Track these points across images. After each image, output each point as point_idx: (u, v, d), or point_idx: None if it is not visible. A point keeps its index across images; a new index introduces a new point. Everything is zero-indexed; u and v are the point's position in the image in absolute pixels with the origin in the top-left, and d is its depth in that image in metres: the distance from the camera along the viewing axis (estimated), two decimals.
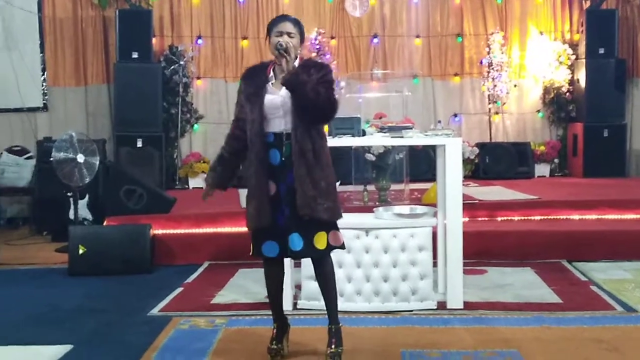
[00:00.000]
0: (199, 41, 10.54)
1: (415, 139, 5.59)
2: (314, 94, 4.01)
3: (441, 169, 5.46)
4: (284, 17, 4.29)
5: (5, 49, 9.72)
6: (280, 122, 4.16)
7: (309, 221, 4.10)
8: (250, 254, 4.32)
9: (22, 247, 8.08)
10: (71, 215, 7.64)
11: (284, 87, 4.11)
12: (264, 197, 4.15)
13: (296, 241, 4.12)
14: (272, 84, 4.21)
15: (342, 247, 4.35)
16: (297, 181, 4.09)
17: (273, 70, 4.24)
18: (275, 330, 4.38)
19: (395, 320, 5.04)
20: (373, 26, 10.81)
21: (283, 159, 4.15)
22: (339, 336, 4.24)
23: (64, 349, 4.53)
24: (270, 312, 4.96)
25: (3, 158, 9.46)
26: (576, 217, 7.65)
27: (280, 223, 4.16)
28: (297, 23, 4.24)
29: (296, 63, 4.12)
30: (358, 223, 5.26)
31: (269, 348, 4.32)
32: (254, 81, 4.24)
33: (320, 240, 4.17)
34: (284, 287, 4.47)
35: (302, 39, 4.25)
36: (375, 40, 10.76)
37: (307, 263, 4.99)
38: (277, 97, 4.16)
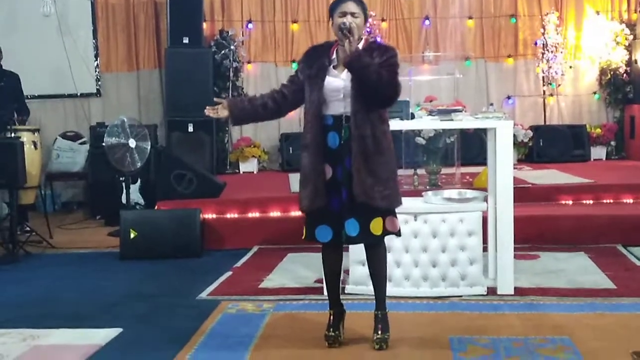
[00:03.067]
0: (249, 25, 10.53)
1: (464, 122, 5.50)
2: (377, 76, 3.93)
3: (492, 153, 5.36)
4: None
5: (59, 36, 9.84)
6: (339, 105, 4.09)
7: (366, 206, 4.03)
8: (303, 237, 4.26)
9: (76, 231, 8.21)
10: (123, 199, 7.73)
11: (345, 70, 4.05)
12: (319, 180, 4.08)
13: (352, 227, 4.06)
14: (333, 66, 4.14)
15: (399, 233, 4.28)
16: (354, 167, 4.02)
17: (336, 52, 4.17)
18: (332, 317, 4.31)
19: (444, 306, 4.97)
20: (424, 8, 10.67)
21: (342, 142, 4.08)
22: (386, 322, 4.20)
23: (113, 332, 4.58)
24: (319, 297, 4.97)
25: (57, 143, 9.62)
26: (632, 200, 7.47)
27: (335, 208, 4.10)
28: (360, 3, 4.14)
29: (360, 45, 4.06)
30: (406, 207, 5.16)
31: (326, 335, 4.25)
32: (315, 62, 4.16)
33: (377, 226, 4.10)
34: (338, 271, 4.39)
35: (365, 19, 4.17)
36: (427, 22, 10.62)
37: (355, 248, 4.94)
38: (338, 79, 4.09)
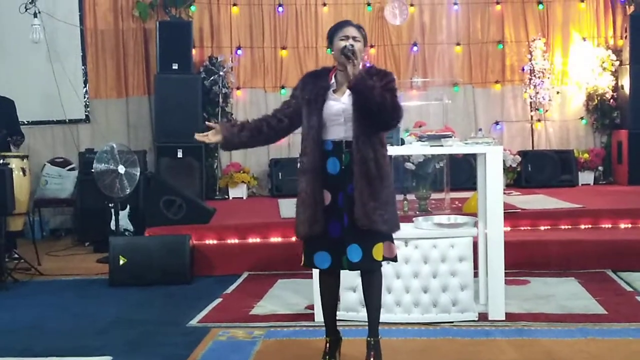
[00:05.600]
0: (239, 51, 10.57)
1: (454, 147, 5.52)
2: (381, 99, 3.92)
3: (482, 178, 5.38)
4: (347, 22, 4.21)
5: (48, 62, 9.83)
6: (340, 130, 4.09)
7: (368, 232, 4.01)
8: (302, 264, 4.25)
9: (64, 257, 8.16)
10: (112, 226, 7.70)
11: (345, 94, 4.07)
12: (318, 206, 4.06)
13: (355, 252, 4.03)
14: (333, 90, 4.15)
15: (395, 259, 4.28)
16: (356, 191, 4.00)
17: (335, 77, 4.18)
18: (328, 345, 4.29)
19: (436, 332, 4.96)
20: (413, 34, 10.75)
21: (342, 167, 4.08)
22: (378, 349, 4.17)
23: None
24: (310, 324, 4.95)
25: (46, 169, 9.59)
26: (621, 225, 7.50)
27: (333, 234, 4.08)
28: (360, 28, 4.18)
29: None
30: (397, 233, 5.18)
31: None
32: (314, 86, 4.17)
33: (378, 252, 4.08)
34: (335, 298, 4.37)
35: (365, 44, 4.19)
36: (415, 48, 10.70)
37: (346, 274, 4.92)
38: (338, 103, 4.10)
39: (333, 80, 4.17)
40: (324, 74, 4.22)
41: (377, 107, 3.93)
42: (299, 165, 4.19)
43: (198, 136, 4.29)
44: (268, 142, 4.43)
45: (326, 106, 4.09)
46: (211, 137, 4.25)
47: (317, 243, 4.11)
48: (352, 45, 4.01)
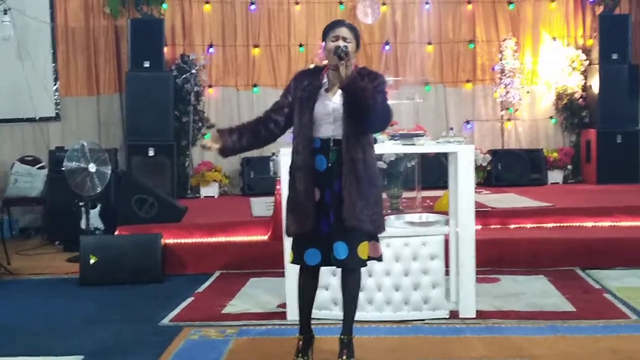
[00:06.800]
0: (211, 49, 10.55)
1: (426, 146, 5.56)
2: (372, 101, 3.97)
3: (453, 177, 5.41)
4: (340, 22, 4.24)
5: (18, 59, 9.73)
6: (329, 128, 4.13)
7: (354, 230, 4.05)
8: (291, 261, 4.28)
9: (34, 257, 8.08)
10: (83, 224, 7.64)
11: (337, 94, 4.10)
12: (309, 203, 4.09)
13: (341, 250, 4.06)
14: (325, 89, 4.18)
15: (380, 259, 4.33)
16: (345, 190, 4.04)
17: (327, 76, 4.20)
18: (301, 343, 4.30)
19: (407, 330, 4.99)
20: (385, 33, 10.80)
21: (329, 164, 4.11)
22: (351, 347, 4.20)
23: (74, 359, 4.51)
24: (282, 322, 4.97)
25: (15, 168, 9.49)
26: (590, 224, 7.59)
27: (324, 230, 4.12)
28: (352, 29, 4.21)
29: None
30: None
31: None
32: (306, 85, 4.20)
33: (363, 250, 4.13)
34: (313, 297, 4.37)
35: (357, 44, 4.22)
36: (387, 47, 10.75)
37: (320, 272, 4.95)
38: (330, 103, 4.14)
39: (325, 79, 4.20)
40: (317, 72, 4.26)
41: (368, 108, 3.97)
42: (292, 163, 4.20)
43: (205, 143, 4.42)
44: (265, 144, 4.44)
45: (317, 105, 4.13)
46: (210, 144, 4.31)
47: (308, 240, 4.14)
48: (346, 47, 4.04)
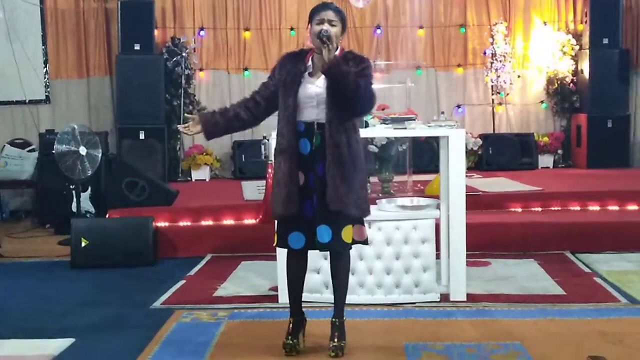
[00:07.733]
0: (201, 32, 10.50)
1: (418, 130, 5.56)
2: (355, 85, 3.95)
3: (444, 161, 5.42)
4: (325, 5, 4.20)
5: (7, 41, 9.67)
6: (312, 112, 4.12)
7: (338, 213, 4.06)
8: (274, 244, 4.29)
9: (24, 239, 8.07)
10: (74, 208, 7.63)
11: (321, 77, 4.09)
12: (293, 186, 4.10)
13: (324, 233, 4.07)
14: (309, 73, 4.17)
15: (366, 242, 4.34)
16: (328, 174, 4.04)
17: (311, 59, 4.19)
18: (291, 325, 4.30)
19: (398, 313, 5.02)
20: (376, 17, 10.75)
21: (313, 148, 4.11)
22: (343, 330, 4.22)
23: (66, 342, 4.52)
24: (274, 305, 4.98)
25: (5, 151, 9.45)
26: (580, 208, 7.62)
27: (308, 214, 4.12)
28: (338, 11, 4.17)
29: (336, 53, 4.05)
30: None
31: (284, 343, 4.24)
32: (291, 68, 4.19)
33: (347, 234, 4.13)
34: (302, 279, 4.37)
35: (344, 28, 4.19)
36: (378, 31, 10.72)
37: (311, 255, 4.95)
38: (313, 86, 4.13)
39: (310, 62, 4.19)
40: (302, 55, 4.24)
41: (351, 92, 3.96)
42: (277, 146, 4.19)
43: (180, 128, 4.35)
44: (248, 126, 4.43)
45: (301, 88, 4.12)
46: (192, 128, 4.27)
47: (292, 223, 4.14)
48: (327, 31, 4.02)
